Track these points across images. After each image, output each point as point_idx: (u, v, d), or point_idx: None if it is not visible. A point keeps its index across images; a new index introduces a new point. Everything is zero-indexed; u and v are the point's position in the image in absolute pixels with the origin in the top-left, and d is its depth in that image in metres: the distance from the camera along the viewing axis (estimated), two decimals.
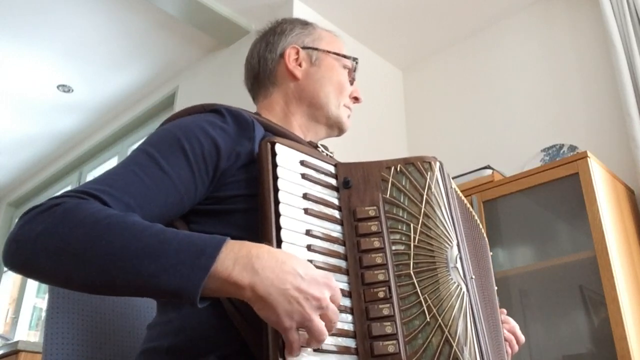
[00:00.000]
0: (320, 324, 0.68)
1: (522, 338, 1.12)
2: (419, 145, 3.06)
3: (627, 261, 1.98)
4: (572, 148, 2.40)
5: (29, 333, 4.41)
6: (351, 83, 1.14)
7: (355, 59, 1.14)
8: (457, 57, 3.12)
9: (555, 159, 2.38)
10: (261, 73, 1.11)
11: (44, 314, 2.52)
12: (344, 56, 1.12)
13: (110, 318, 1.08)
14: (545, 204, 2.24)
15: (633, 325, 1.82)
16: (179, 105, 3.41)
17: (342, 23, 2.99)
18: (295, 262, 0.70)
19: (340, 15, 2.94)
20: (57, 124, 4.17)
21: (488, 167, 2.37)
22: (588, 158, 2.00)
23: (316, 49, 1.11)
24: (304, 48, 1.11)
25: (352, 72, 1.14)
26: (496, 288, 1.02)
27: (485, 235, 1.11)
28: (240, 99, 1.18)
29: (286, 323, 0.67)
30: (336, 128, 1.11)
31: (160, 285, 0.68)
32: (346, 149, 2.64)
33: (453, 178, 2.39)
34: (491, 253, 1.15)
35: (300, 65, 1.09)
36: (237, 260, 0.69)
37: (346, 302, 0.77)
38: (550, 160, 2.39)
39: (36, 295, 4.56)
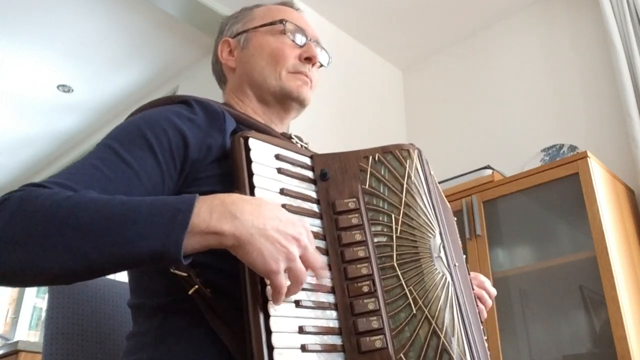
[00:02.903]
0: (301, 265, 0.68)
1: (493, 291, 1.06)
2: (418, 145, 3.05)
3: (627, 261, 1.97)
4: (572, 148, 2.39)
5: (29, 333, 4.42)
6: (302, 45, 1.03)
7: (282, 20, 1.03)
8: (457, 57, 3.12)
9: (555, 159, 2.37)
10: (216, 79, 1.12)
11: (44, 314, 2.52)
12: (271, 23, 1.03)
13: (110, 318, 1.08)
14: (545, 204, 2.23)
15: (633, 325, 1.82)
16: None
17: (343, 23, 2.99)
18: (270, 205, 0.70)
19: (341, 15, 2.93)
20: (57, 124, 4.18)
21: (488, 167, 2.36)
22: (588, 158, 2.00)
23: (244, 31, 1.05)
24: (234, 37, 1.06)
25: (296, 33, 1.03)
26: (464, 256, 0.98)
27: (446, 198, 1.05)
28: None
29: (273, 265, 0.66)
30: (289, 100, 1.02)
31: (140, 251, 0.64)
32: (345, 149, 2.64)
33: (453, 178, 2.40)
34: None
35: (233, 55, 1.06)
36: (213, 209, 0.67)
37: (330, 298, 0.75)
38: (550, 160, 2.39)
39: (36, 295, 4.57)
